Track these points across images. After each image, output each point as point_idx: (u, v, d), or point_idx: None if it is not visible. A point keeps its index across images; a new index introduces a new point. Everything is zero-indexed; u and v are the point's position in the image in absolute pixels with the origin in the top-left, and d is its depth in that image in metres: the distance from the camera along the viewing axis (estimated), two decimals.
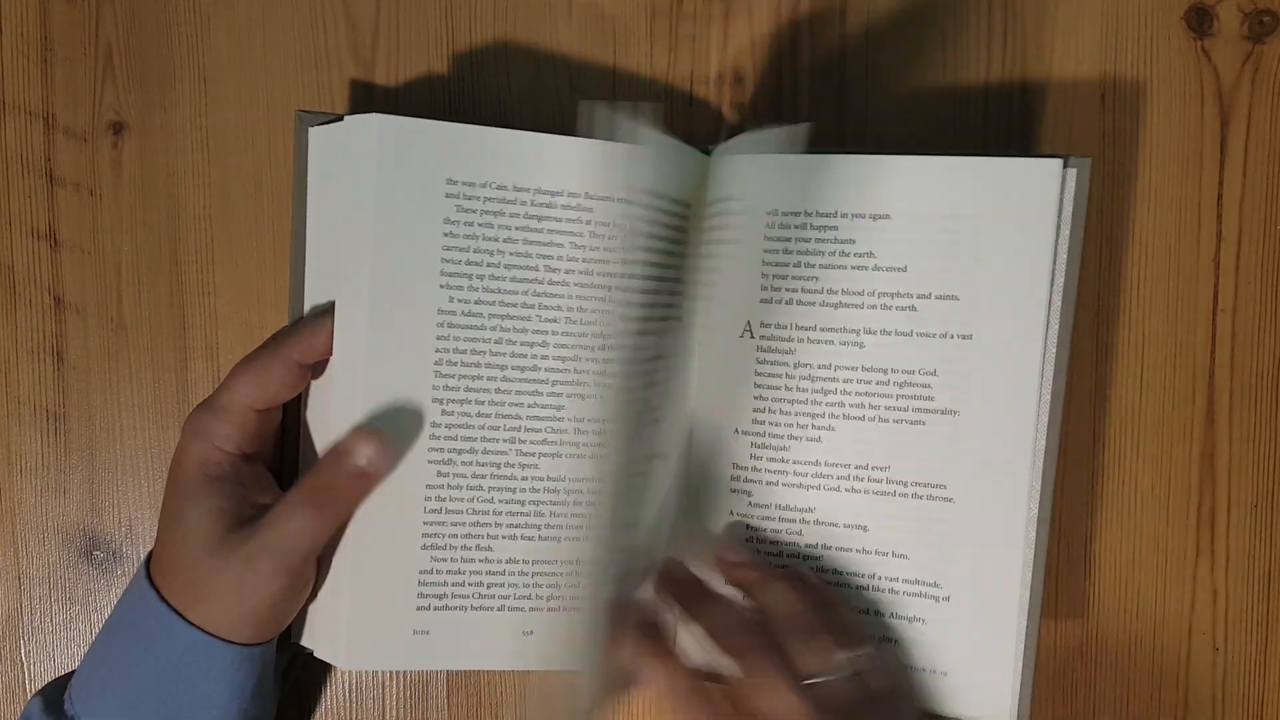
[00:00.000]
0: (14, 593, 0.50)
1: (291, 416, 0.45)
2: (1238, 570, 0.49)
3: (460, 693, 0.50)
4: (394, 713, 0.50)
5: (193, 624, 0.40)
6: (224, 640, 0.41)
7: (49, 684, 0.44)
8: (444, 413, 0.43)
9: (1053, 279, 0.43)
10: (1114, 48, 0.49)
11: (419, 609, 0.44)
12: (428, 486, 0.43)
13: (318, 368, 0.44)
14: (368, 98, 0.49)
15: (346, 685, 0.50)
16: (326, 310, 0.43)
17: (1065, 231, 0.43)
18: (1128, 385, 0.49)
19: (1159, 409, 0.49)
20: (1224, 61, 0.49)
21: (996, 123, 0.49)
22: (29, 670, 0.50)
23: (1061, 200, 0.43)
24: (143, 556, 0.43)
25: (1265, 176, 0.49)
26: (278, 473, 0.45)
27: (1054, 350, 0.43)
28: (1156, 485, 0.49)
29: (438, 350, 0.43)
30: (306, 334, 0.43)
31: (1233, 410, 0.49)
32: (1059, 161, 0.42)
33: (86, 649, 0.43)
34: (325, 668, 0.50)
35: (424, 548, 0.44)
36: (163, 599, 0.41)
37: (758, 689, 0.39)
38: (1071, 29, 0.49)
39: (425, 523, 0.43)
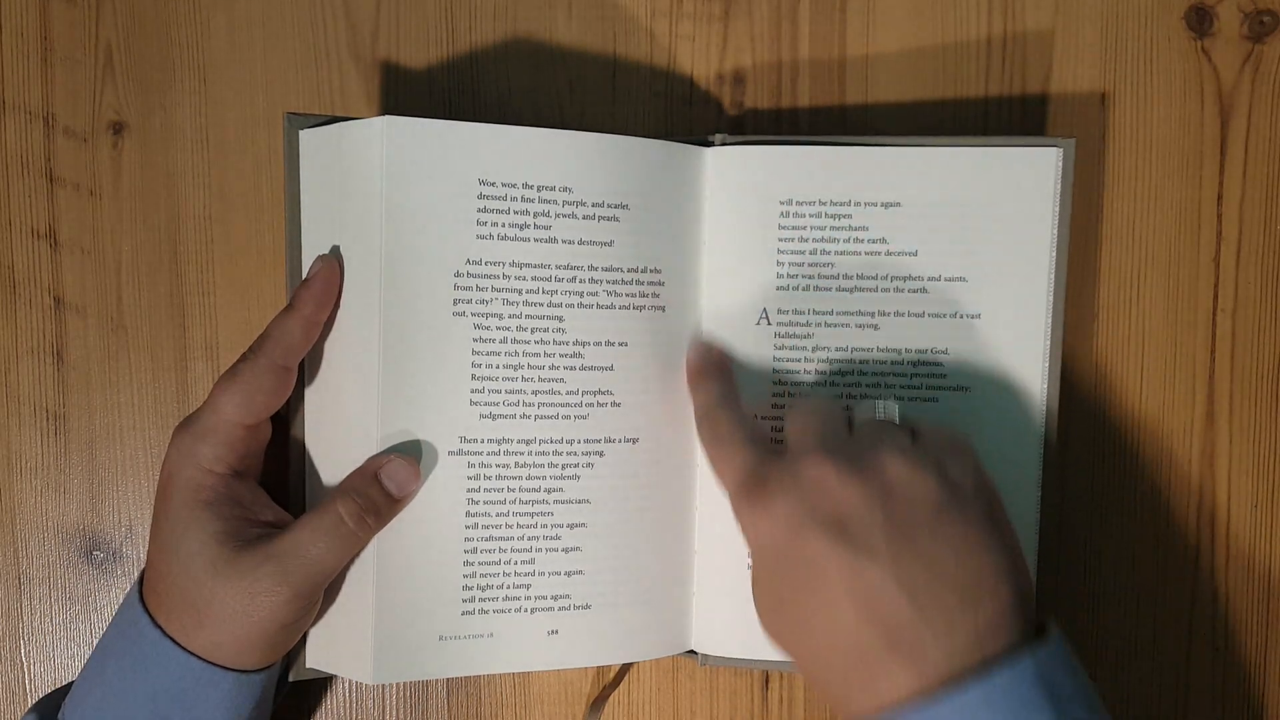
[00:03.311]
0: (14, 593, 0.50)
1: (280, 429, 0.45)
2: (1238, 570, 0.49)
3: (460, 693, 0.50)
4: (394, 714, 0.50)
5: (191, 652, 0.40)
6: (223, 668, 0.40)
7: (43, 699, 0.44)
8: (481, 417, 0.43)
9: (1052, 257, 0.45)
10: (1114, 48, 0.49)
11: (464, 614, 0.43)
12: (467, 494, 0.43)
13: (309, 365, 0.44)
14: (367, 97, 0.49)
15: (346, 687, 0.50)
16: (292, 305, 0.42)
17: (1056, 209, 0.45)
18: (1128, 385, 0.49)
19: (1159, 409, 0.49)
20: (1224, 61, 0.49)
21: (996, 123, 0.49)
22: (29, 670, 0.50)
23: (1057, 183, 0.45)
24: (141, 558, 0.43)
25: (1265, 176, 0.49)
26: (268, 487, 0.44)
27: (1053, 323, 0.45)
28: (1156, 485, 0.49)
29: (474, 354, 0.43)
30: (281, 335, 0.42)
31: (1233, 410, 0.49)
32: (1058, 150, 0.45)
33: (86, 654, 0.43)
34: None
35: (465, 562, 0.43)
36: (157, 625, 0.40)
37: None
38: (1071, 29, 0.49)
39: (466, 538, 0.43)
